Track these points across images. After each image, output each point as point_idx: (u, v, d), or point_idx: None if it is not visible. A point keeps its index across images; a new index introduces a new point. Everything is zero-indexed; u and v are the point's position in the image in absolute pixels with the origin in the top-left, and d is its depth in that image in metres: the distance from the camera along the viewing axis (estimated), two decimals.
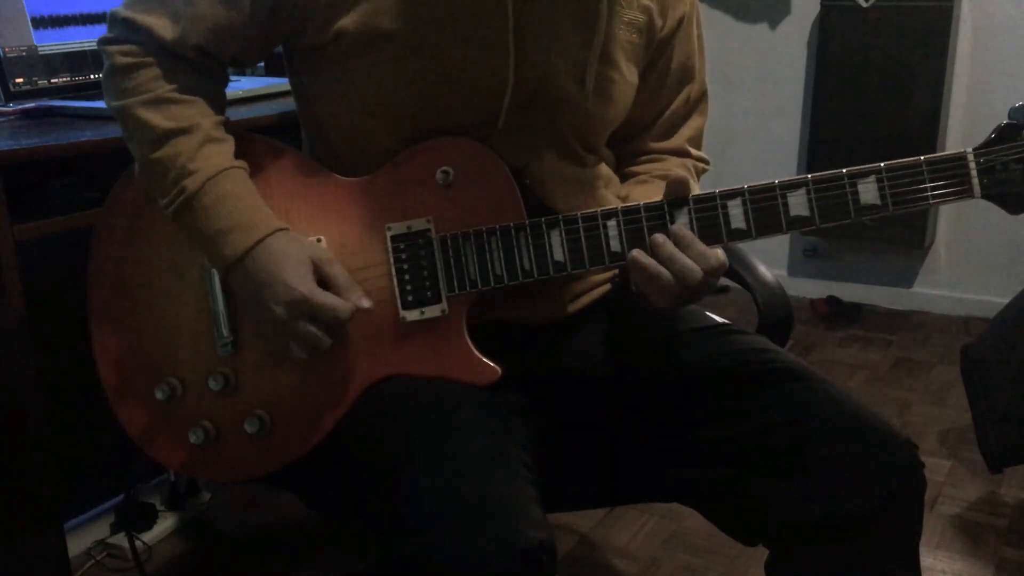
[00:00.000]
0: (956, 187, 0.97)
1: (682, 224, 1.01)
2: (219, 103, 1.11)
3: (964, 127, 3.07)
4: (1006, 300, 2.14)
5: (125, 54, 1.06)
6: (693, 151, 1.26)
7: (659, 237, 1.01)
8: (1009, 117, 0.98)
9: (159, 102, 1.05)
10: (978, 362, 2.05)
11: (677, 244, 1.01)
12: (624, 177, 1.23)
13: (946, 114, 3.04)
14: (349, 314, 1.01)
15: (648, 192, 1.17)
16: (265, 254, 1.02)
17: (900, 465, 1.01)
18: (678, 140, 1.24)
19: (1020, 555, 1.89)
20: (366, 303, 1.03)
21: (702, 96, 1.25)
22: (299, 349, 1.03)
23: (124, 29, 1.07)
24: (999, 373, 1.98)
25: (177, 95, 1.06)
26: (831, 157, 3.10)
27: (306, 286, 1.00)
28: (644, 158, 1.24)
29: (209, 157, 1.04)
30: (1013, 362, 1.94)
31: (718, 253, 1.01)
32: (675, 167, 1.22)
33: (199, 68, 1.08)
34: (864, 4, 2.97)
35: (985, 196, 0.98)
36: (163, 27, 1.05)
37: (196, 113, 1.06)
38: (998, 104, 2.99)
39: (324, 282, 1.03)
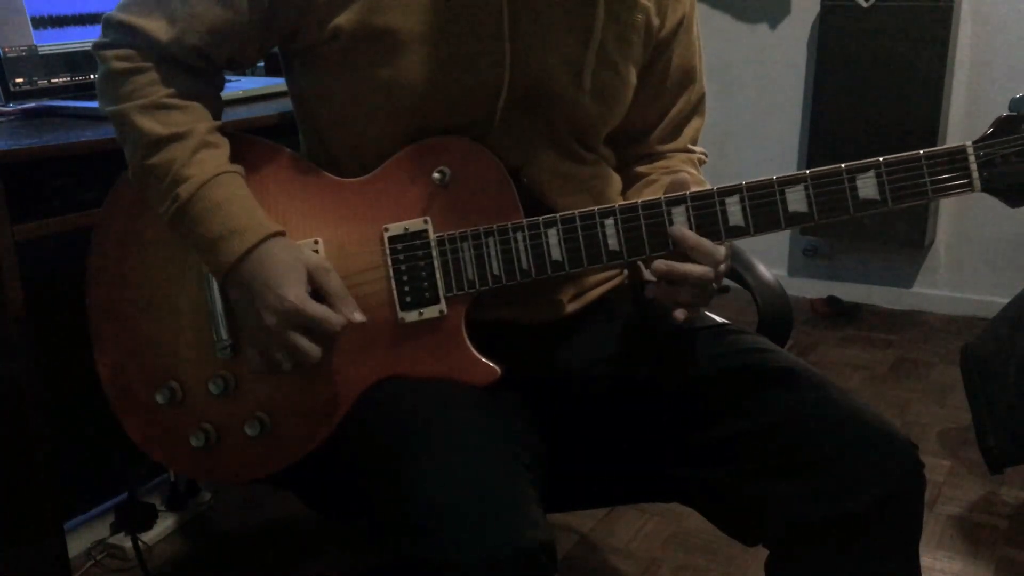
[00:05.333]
0: (956, 181, 0.97)
1: (680, 223, 1.01)
2: (215, 107, 1.11)
3: (964, 127, 3.06)
4: (1006, 300, 2.14)
5: (121, 58, 1.06)
6: (695, 148, 1.26)
7: (660, 265, 1.00)
8: (1009, 109, 0.97)
9: (155, 107, 1.05)
10: (978, 362, 2.05)
11: (682, 246, 1.00)
12: (634, 178, 1.23)
13: (946, 114, 3.04)
14: (340, 327, 1.01)
15: (659, 193, 1.17)
16: (259, 260, 1.01)
17: (900, 465, 1.00)
18: (682, 141, 1.25)
19: (1020, 555, 1.89)
20: (359, 316, 1.02)
21: (702, 98, 1.25)
22: (287, 361, 1.02)
23: (119, 33, 1.07)
24: (999, 373, 1.98)
25: (173, 100, 1.05)
26: (831, 157, 3.05)
27: (298, 296, 1.00)
28: (652, 160, 1.24)
29: (203, 163, 1.04)
30: (1013, 362, 1.94)
31: (721, 247, 1.00)
32: (680, 163, 1.22)
33: (195, 72, 1.08)
34: (864, 4, 2.97)
35: (985, 189, 0.97)
36: (159, 29, 1.05)
37: (191, 119, 1.06)
38: (998, 104, 2.98)
39: (318, 291, 1.03)
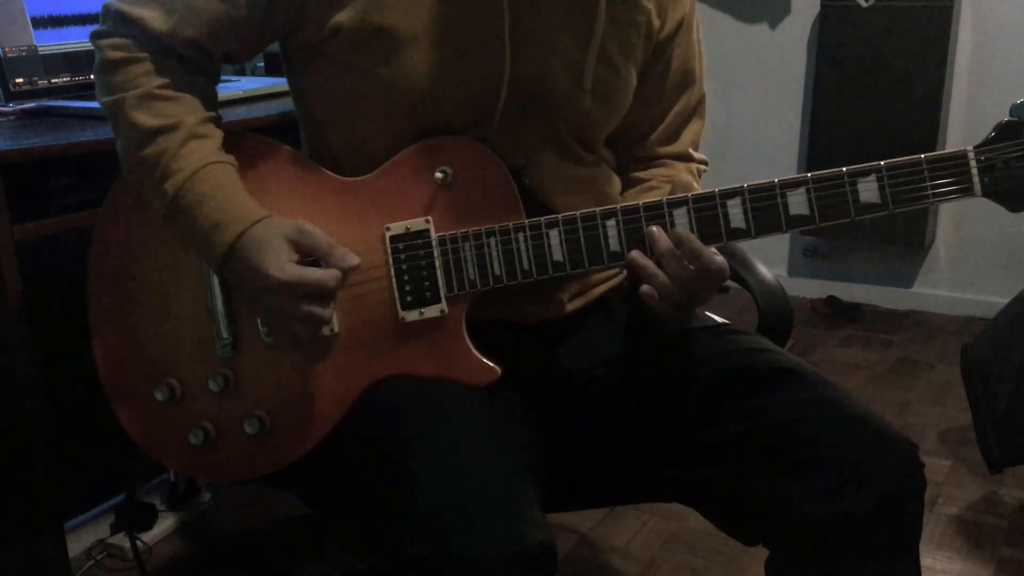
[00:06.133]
0: (957, 185, 0.97)
1: (681, 224, 1.01)
2: (210, 100, 1.10)
3: (964, 127, 3.07)
4: (1006, 300, 2.14)
5: (116, 48, 1.06)
6: (695, 155, 1.26)
7: (655, 229, 1.01)
8: (1010, 114, 0.97)
9: (147, 98, 1.04)
10: (978, 362, 2.05)
11: (675, 245, 1.01)
12: (632, 183, 1.23)
13: (946, 114, 3.04)
14: (336, 281, 1.01)
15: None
16: (247, 247, 1.01)
17: (900, 465, 1.00)
18: (681, 145, 1.24)
19: (1020, 555, 1.89)
20: (352, 259, 1.02)
21: (701, 100, 1.25)
22: (304, 332, 1.02)
23: (116, 22, 1.07)
24: (999, 373, 1.98)
25: (166, 91, 1.05)
26: (831, 157, 3.10)
27: (283, 270, 0.99)
28: (651, 164, 1.24)
29: (190, 155, 1.03)
30: (1013, 362, 1.94)
31: (715, 258, 1.00)
32: (681, 172, 1.22)
33: (191, 64, 1.08)
34: (864, 4, 2.97)
35: (986, 194, 0.97)
36: (156, 20, 1.05)
37: (183, 110, 1.05)
38: (998, 104, 2.98)
39: (307, 254, 1.02)
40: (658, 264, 1.01)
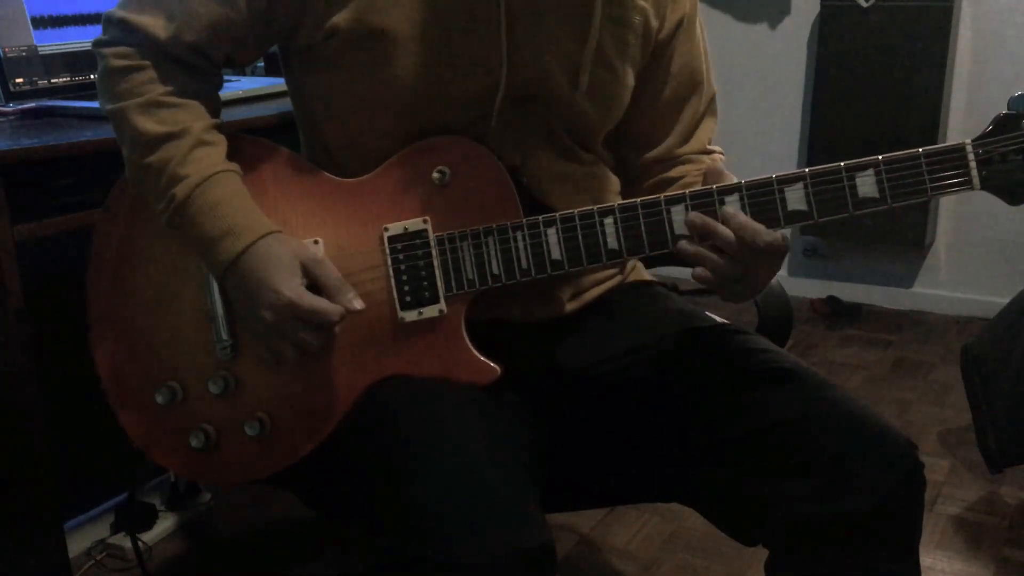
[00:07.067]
0: (955, 179, 0.96)
1: (678, 222, 1.01)
2: (213, 106, 1.11)
3: (964, 127, 3.06)
4: (1006, 300, 2.14)
5: (120, 56, 1.06)
6: (713, 148, 1.25)
7: (695, 218, 1.00)
8: (1008, 107, 0.97)
9: (152, 106, 1.05)
10: (978, 362, 2.05)
11: (730, 224, 0.99)
12: (664, 184, 1.21)
13: (946, 114, 3.04)
14: (338, 317, 1.01)
15: None
16: (255, 258, 1.02)
17: (900, 465, 1.00)
18: (697, 143, 1.24)
19: (1020, 555, 1.89)
20: (357, 304, 1.03)
21: (712, 98, 1.24)
22: (291, 354, 1.03)
23: (119, 30, 1.07)
24: (999, 373, 1.98)
25: (171, 98, 1.05)
26: (831, 157, 3.04)
27: (293, 291, 1.00)
28: (674, 163, 1.22)
29: (199, 161, 1.04)
30: (1013, 362, 1.94)
31: (775, 232, 0.98)
32: (708, 162, 1.21)
33: (193, 70, 1.08)
34: (864, 4, 2.97)
35: (984, 187, 0.97)
36: (158, 26, 1.05)
37: (188, 117, 1.06)
38: (998, 103, 2.96)
39: (315, 284, 1.03)
40: (713, 244, 0.99)
